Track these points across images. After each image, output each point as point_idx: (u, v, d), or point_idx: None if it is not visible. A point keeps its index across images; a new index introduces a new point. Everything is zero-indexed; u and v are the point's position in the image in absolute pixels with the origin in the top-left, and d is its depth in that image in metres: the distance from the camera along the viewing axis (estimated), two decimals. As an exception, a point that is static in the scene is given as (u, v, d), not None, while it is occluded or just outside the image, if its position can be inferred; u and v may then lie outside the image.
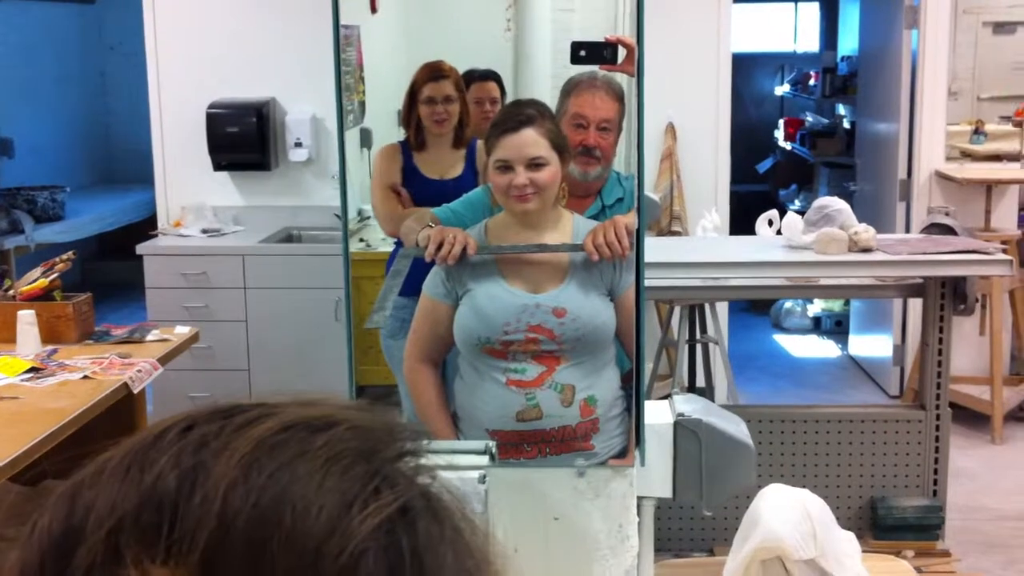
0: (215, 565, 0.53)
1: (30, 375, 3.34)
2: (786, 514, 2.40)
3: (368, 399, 2.96)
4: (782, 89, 10.07)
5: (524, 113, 2.60)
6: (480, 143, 2.93)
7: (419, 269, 2.68)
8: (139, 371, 3.42)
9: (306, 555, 0.54)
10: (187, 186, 5.78)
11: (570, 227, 2.66)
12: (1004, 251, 4.20)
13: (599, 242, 2.55)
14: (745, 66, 8.96)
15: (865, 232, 4.06)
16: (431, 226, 2.65)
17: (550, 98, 2.84)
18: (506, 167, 2.55)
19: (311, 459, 0.56)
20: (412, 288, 2.74)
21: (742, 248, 4.31)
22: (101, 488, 0.56)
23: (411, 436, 0.61)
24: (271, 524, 0.54)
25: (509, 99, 3.10)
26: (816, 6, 10.35)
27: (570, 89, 2.80)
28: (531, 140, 2.54)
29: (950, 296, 4.19)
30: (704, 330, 5.01)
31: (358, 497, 0.56)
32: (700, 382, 5.12)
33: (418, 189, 2.98)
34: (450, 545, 0.58)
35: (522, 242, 2.64)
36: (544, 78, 3.07)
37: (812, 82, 9.04)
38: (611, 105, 2.77)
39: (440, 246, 2.58)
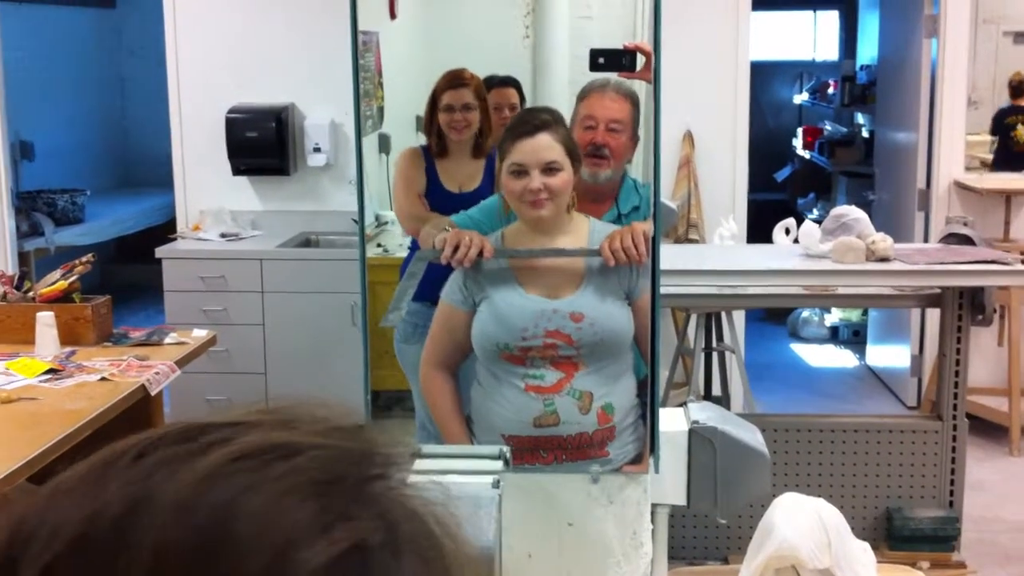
0: None
1: (48, 376, 3.36)
2: (801, 523, 2.39)
3: (384, 408, 2.97)
4: (801, 97, 10.05)
5: (539, 118, 2.61)
6: (497, 150, 2.94)
7: (434, 274, 2.68)
8: (157, 373, 3.43)
9: None
10: (206, 190, 5.80)
11: (586, 231, 2.66)
12: (1023, 261, 4.18)
13: (615, 247, 2.56)
14: (764, 74, 8.95)
15: (883, 241, 4.05)
16: (447, 229, 2.66)
17: (568, 105, 2.85)
18: (520, 171, 2.55)
19: (259, 493, 0.53)
20: (426, 293, 2.74)
21: (759, 256, 4.30)
22: (47, 511, 0.54)
23: (388, 460, 0.58)
24: (212, 557, 0.51)
25: (528, 106, 3.11)
26: (835, 15, 10.33)
27: (582, 95, 2.82)
28: (546, 144, 2.55)
29: (968, 306, 4.18)
30: (720, 338, 5.00)
31: (305, 535, 0.52)
32: (716, 391, 5.11)
33: (436, 200, 2.99)
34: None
35: (538, 248, 2.64)
36: (562, 85, 3.08)
37: (831, 91, 9.03)
38: (621, 105, 2.77)
39: (456, 249, 2.59)
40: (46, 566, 0.52)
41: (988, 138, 6.02)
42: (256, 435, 0.56)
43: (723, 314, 4.95)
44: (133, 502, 0.53)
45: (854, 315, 7.48)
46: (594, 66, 2.72)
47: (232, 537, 0.52)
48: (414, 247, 2.98)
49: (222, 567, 0.51)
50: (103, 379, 3.36)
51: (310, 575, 0.51)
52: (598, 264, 2.61)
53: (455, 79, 2.98)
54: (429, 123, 3.01)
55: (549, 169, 2.55)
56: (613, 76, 2.78)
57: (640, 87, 2.84)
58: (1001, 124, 6.08)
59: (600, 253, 2.59)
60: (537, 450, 2.63)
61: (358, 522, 0.54)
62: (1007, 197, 5.68)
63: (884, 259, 4.04)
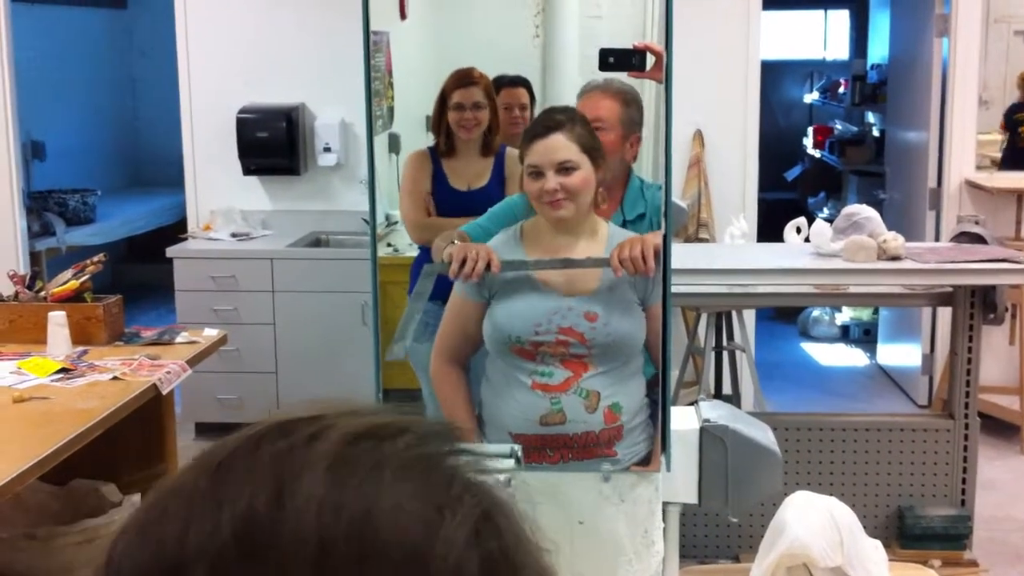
0: None
1: (60, 376, 3.37)
2: (813, 521, 2.39)
3: (393, 403, 2.98)
4: (811, 97, 10.03)
5: (553, 119, 2.61)
6: (509, 151, 2.94)
7: (445, 283, 2.68)
8: (168, 373, 3.44)
9: (410, 564, 0.54)
10: (217, 190, 5.82)
11: (605, 234, 2.66)
12: (1034, 260, 4.17)
13: (624, 257, 2.55)
14: (774, 73, 8.93)
15: (894, 240, 4.04)
16: (455, 243, 2.65)
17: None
18: (537, 172, 2.56)
19: (389, 469, 0.56)
20: (439, 293, 2.74)
21: (770, 255, 4.29)
22: (188, 517, 0.55)
23: (461, 437, 0.62)
24: (368, 537, 0.54)
25: (538, 105, 3.11)
26: (846, 14, 10.30)
27: (579, 96, 2.82)
28: (560, 144, 2.55)
29: (979, 305, 4.17)
30: (731, 337, 4.99)
31: (446, 504, 0.56)
32: (727, 389, 5.11)
33: (443, 199, 3.00)
34: (524, 542, 0.59)
35: (556, 247, 2.64)
36: (572, 85, 3.08)
37: (841, 90, 9.01)
38: (606, 104, 2.77)
39: (464, 263, 2.58)
40: (212, 567, 0.54)
41: (999, 137, 6.00)
42: (348, 422, 0.59)
43: (733, 313, 4.95)
44: (276, 495, 0.55)
45: (865, 314, 7.47)
46: (604, 65, 2.71)
47: (380, 514, 0.54)
48: (423, 251, 2.98)
49: (380, 544, 0.54)
50: (115, 378, 3.36)
51: (466, 539, 0.55)
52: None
53: (465, 78, 2.98)
54: (438, 122, 3.02)
55: (564, 169, 2.55)
56: (613, 77, 2.78)
57: (650, 87, 2.83)
58: (1011, 120, 6.06)
59: (609, 263, 2.58)
60: (544, 449, 2.63)
61: (475, 490, 0.58)
62: (1018, 196, 5.67)
63: (895, 258, 4.03)
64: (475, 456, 0.61)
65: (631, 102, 2.79)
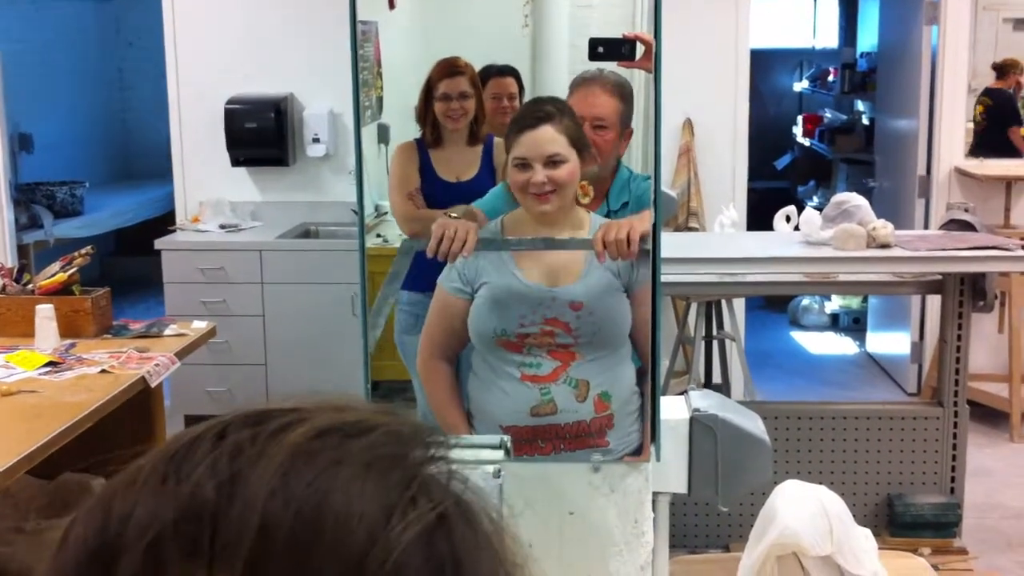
0: (258, 575, 0.53)
1: (48, 369, 3.36)
2: (802, 510, 2.39)
3: (384, 398, 2.97)
4: (801, 85, 10.03)
5: (543, 110, 2.59)
6: (497, 141, 2.92)
7: (430, 264, 2.66)
8: (157, 365, 3.43)
9: (349, 564, 0.53)
10: (205, 181, 5.80)
11: (587, 225, 2.65)
12: None
13: (609, 239, 2.54)
14: (764, 62, 8.93)
15: (883, 228, 4.05)
16: (449, 216, 2.63)
17: (567, 95, 2.84)
18: (524, 165, 2.54)
19: (348, 466, 0.56)
20: (427, 284, 2.73)
21: (760, 244, 4.30)
22: (137, 498, 0.56)
23: (438, 439, 0.61)
24: (313, 533, 0.53)
25: (527, 95, 3.09)
26: (835, 2, 10.30)
27: (572, 87, 2.80)
28: (549, 137, 2.54)
29: (969, 293, 4.18)
30: (721, 326, 5.00)
31: (397, 505, 0.55)
32: (717, 379, 5.11)
33: (432, 191, 2.98)
34: (484, 551, 0.58)
35: (528, 238, 2.63)
36: (562, 74, 3.06)
37: (831, 78, 9.02)
38: (607, 102, 2.75)
39: (442, 241, 2.56)
40: (148, 547, 0.54)
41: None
42: (324, 416, 0.59)
43: (723, 302, 4.95)
44: (228, 480, 0.55)
45: (854, 302, 7.48)
46: (593, 55, 2.70)
47: (331, 510, 0.54)
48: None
49: (324, 542, 0.53)
50: (103, 371, 3.35)
51: (408, 546, 0.54)
52: (598, 255, 2.60)
53: (450, 67, 2.96)
54: (424, 113, 3.00)
55: (552, 162, 2.53)
56: (604, 68, 2.76)
57: (640, 76, 2.82)
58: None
59: (592, 245, 2.57)
60: (535, 440, 2.62)
61: (436, 494, 0.57)
62: (1007, 183, 5.68)
63: (885, 246, 4.03)
64: (448, 458, 0.60)
65: (627, 97, 2.78)
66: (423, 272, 2.71)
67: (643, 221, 2.60)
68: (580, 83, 2.79)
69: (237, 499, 0.54)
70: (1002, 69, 5.99)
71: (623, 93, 2.77)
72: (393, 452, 0.58)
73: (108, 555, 0.54)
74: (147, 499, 0.55)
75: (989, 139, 5.98)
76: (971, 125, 5.97)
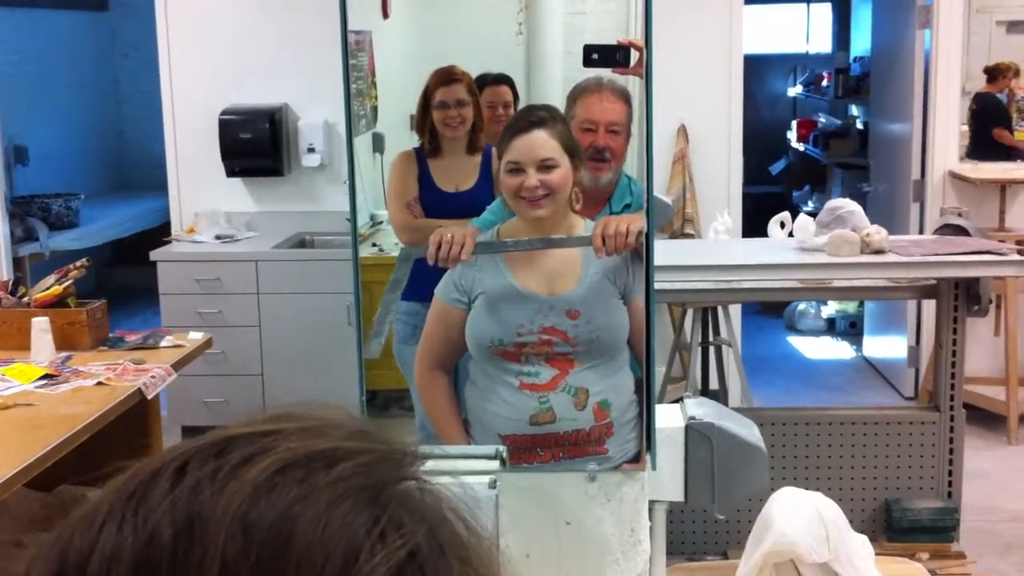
0: None
1: (44, 382, 3.35)
2: (799, 517, 2.39)
3: (381, 408, 2.97)
4: (795, 90, 10.05)
5: (535, 115, 2.60)
6: (495, 150, 2.93)
7: (427, 274, 2.67)
8: (153, 377, 3.43)
9: None
10: (200, 192, 5.80)
11: (582, 232, 2.65)
12: (1018, 251, 4.18)
13: (609, 233, 2.54)
14: (757, 68, 8.94)
15: (877, 234, 4.05)
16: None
17: (561, 102, 2.85)
18: (517, 169, 2.55)
19: (314, 503, 0.54)
20: (424, 294, 2.73)
21: (755, 250, 4.30)
22: (95, 541, 0.54)
23: (413, 458, 0.59)
24: None
25: (522, 103, 3.10)
26: (828, 7, 10.32)
27: (576, 95, 2.80)
28: (542, 142, 2.55)
29: (964, 297, 4.18)
30: (717, 332, 5.00)
31: (364, 545, 0.53)
32: (714, 385, 5.11)
33: (430, 201, 2.98)
34: None
35: (525, 240, 2.63)
36: (556, 82, 3.07)
37: (825, 83, 9.02)
38: (618, 107, 2.77)
39: (440, 247, 2.57)
40: None
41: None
42: (292, 443, 0.56)
43: (719, 308, 4.95)
44: (187, 523, 0.53)
45: (851, 307, 7.49)
46: (588, 62, 2.71)
47: (294, 551, 0.52)
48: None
49: None
50: (99, 383, 3.35)
51: None
52: (595, 262, 2.61)
53: (447, 76, 2.97)
54: (422, 122, 3.01)
55: (545, 167, 2.54)
56: (606, 75, 2.77)
57: (632, 82, 2.83)
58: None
59: (592, 243, 2.57)
60: (535, 448, 2.63)
61: (408, 527, 0.55)
62: (1002, 187, 5.69)
63: (879, 251, 4.04)
64: (422, 478, 0.58)
65: (630, 101, 2.80)
66: (420, 282, 2.71)
67: (640, 218, 2.61)
68: (587, 90, 2.80)
69: (195, 544, 0.52)
70: (993, 73, 6.00)
71: (628, 98, 2.79)
72: (362, 484, 0.55)
73: None
74: (104, 543, 0.54)
75: (978, 142, 6.00)
76: (965, 128, 5.99)
